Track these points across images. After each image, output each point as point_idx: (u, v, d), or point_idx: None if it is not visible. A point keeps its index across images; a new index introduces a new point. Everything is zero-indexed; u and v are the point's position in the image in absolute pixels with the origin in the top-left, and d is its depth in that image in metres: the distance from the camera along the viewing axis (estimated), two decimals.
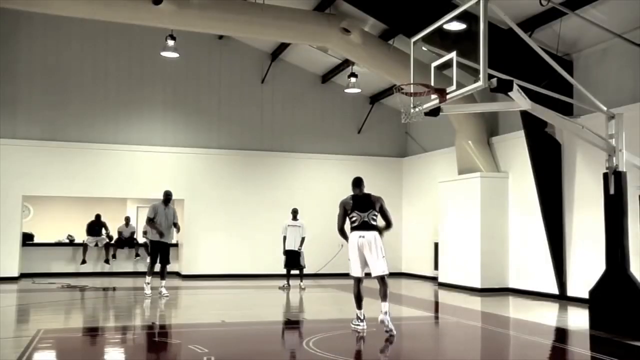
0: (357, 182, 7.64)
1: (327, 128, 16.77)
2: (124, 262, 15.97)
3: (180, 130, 15.72)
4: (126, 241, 16.09)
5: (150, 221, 10.96)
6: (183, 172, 15.48)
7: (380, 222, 7.46)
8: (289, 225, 12.88)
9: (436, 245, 14.77)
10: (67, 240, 15.79)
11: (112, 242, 15.86)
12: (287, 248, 12.84)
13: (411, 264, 16.55)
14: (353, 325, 7.48)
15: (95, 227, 15.73)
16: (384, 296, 7.11)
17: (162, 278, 11.06)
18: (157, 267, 11.17)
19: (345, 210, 7.43)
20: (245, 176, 15.88)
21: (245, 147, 16.03)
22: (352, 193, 7.58)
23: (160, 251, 11.02)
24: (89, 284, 13.21)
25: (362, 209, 7.39)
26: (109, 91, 15.21)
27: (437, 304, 11.50)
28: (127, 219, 16.46)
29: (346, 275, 15.07)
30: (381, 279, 7.21)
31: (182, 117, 15.76)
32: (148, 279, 11.08)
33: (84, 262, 15.32)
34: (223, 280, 14.67)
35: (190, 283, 14.23)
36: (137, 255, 15.94)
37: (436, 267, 14.68)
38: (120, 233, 16.07)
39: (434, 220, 15.04)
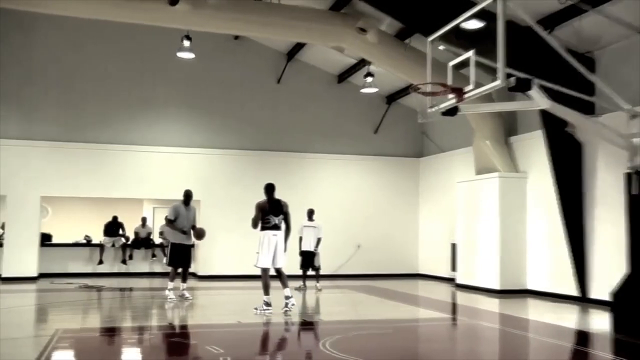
0: (272, 188, 9.20)
1: (343, 128, 16.73)
2: (140, 262, 16.05)
3: (195, 130, 15.76)
4: (143, 242, 16.16)
5: (171, 223, 10.65)
6: (199, 172, 15.48)
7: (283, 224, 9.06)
8: (304, 226, 12.87)
9: (453, 246, 14.67)
10: (85, 241, 15.89)
11: (129, 242, 15.93)
12: (303, 249, 12.86)
13: (428, 265, 16.47)
14: (259, 311, 8.85)
15: (112, 227, 15.82)
16: (286, 283, 9.08)
17: (184, 280, 10.89)
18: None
19: (262, 212, 8.94)
20: (261, 177, 15.56)
21: (260, 148, 16.03)
22: (265, 197, 9.06)
23: (182, 254, 10.75)
24: (105, 284, 13.28)
25: (275, 213, 9.04)
26: (125, 92, 15.25)
27: (454, 305, 11.44)
28: (144, 220, 16.53)
29: (363, 277, 15.52)
30: (279, 270, 9.12)
31: (198, 117, 15.78)
32: (171, 284, 10.71)
33: (101, 262, 15.43)
34: (239, 280, 14.67)
35: (206, 284, 14.25)
36: (153, 255, 16.02)
37: (453, 268, 14.58)
38: (136, 234, 16.13)
39: (451, 221, 14.94)
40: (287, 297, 9.01)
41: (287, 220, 9.22)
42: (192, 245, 11.26)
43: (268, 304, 8.93)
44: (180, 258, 10.74)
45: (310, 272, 12.96)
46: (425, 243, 16.73)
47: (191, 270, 15.20)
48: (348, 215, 16.36)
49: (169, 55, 14.85)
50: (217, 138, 15.84)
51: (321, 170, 16.49)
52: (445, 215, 15.62)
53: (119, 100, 15.25)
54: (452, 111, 8.15)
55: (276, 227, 9.05)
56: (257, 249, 9.13)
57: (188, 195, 10.94)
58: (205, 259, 15.46)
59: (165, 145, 15.40)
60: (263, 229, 9.02)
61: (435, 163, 16.57)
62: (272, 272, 9.25)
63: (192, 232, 10.91)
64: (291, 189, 15.75)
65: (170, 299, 10.52)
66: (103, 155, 14.96)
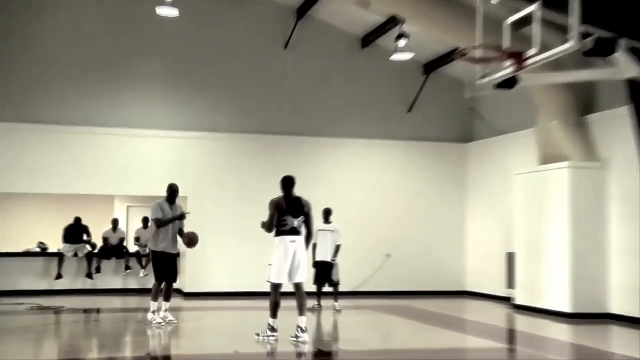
0: (292, 183, 9.29)
1: (368, 105, 16.75)
2: (110, 276, 16.10)
3: (182, 110, 15.85)
4: (114, 250, 16.18)
5: (158, 221, 10.63)
6: (186, 163, 15.61)
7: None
8: (320, 230, 12.85)
9: (510, 256, 14.67)
10: (38, 249, 15.95)
11: (96, 251, 15.94)
12: (317, 259, 12.92)
13: (478, 280, 16.48)
14: (262, 337, 8.98)
15: (75, 232, 15.82)
16: (305, 308, 9.06)
17: (167, 299, 10.84)
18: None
19: (278, 212, 9.03)
20: (264, 168, 15.82)
21: (264, 131, 16.09)
22: (281, 194, 9.20)
23: (167, 265, 10.74)
24: (66, 304, 13.25)
25: (295, 214, 9.09)
26: (94, 62, 15.44)
27: (512, 332, 11.49)
28: (115, 223, 16.57)
29: (394, 295, 15.57)
30: (299, 287, 9.13)
31: (185, 93, 15.92)
32: (155, 305, 10.69)
33: (59, 276, 15.45)
34: (236, 299, 14.78)
35: (195, 303, 14.31)
36: (127, 268, 16.05)
37: (510, 285, 14.58)
38: (106, 240, 16.13)
39: (507, 224, 14.93)
40: (301, 330, 8.97)
41: (308, 223, 9.27)
42: (178, 255, 11.31)
43: (273, 329, 9.02)
44: (164, 270, 10.73)
45: (327, 289, 13.04)
46: (474, 252, 16.75)
47: (176, 286, 15.35)
48: (375, 216, 16.40)
49: (147, 14, 14.89)
50: (208, 119, 15.91)
51: (340, 159, 16.54)
52: (499, 217, 15.62)
53: (85, 72, 15.36)
54: (509, 83, 8.15)
55: (295, 232, 9.09)
56: (271, 258, 9.13)
57: (174, 191, 10.96)
58: (193, 273, 15.51)
59: (144, 128, 15.46)
60: (279, 233, 9.09)
61: (487, 150, 16.55)
62: (285, 289, 9.23)
63: (178, 237, 10.97)
64: (302, 183, 15.35)
65: (156, 323, 10.52)
66: (64, 140, 15.04)
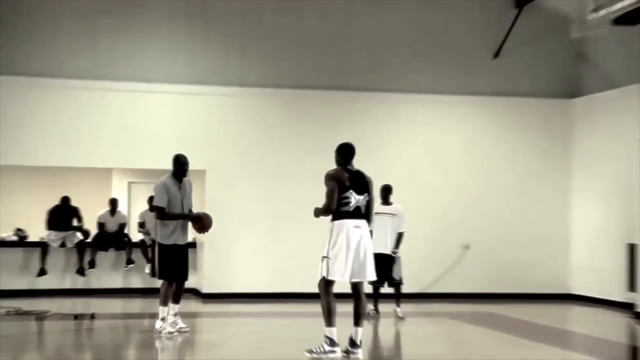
0: (352, 152, 9.34)
1: (440, 49, 16.66)
2: (108, 272, 16.21)
3: (196, 58, 15.93)
4: (112, 239, 16.25)
5: (162, 212, 10.79)
6: (202, 126, 15.73)
7: None
8: (377, 214, 12.50)
9: (632, 249, 14.56)
10: (15, 238, 16.04)
11: (89, 240, 16.04)
12: (373, 251, 12.79)
13: (586, 280, 16.37)
14: (317, 354, 8.90)
15: (62, 216, 15.89)
16: (363, 316, 9.19)
17: (176, 301, 11.00)
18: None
19: (340, 187, 9.01)
20: (304, 133, 15.97)
21: (303, 85, 16.10)
22: (337, 166, 9.25)
23: (177, 260, 10.88)
24: (51, 308, 13.30)
25: (359, 190, 9.10)
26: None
27: (634, 350, 11.36)
28: (113, 203, 16.67)
29: (472, 298, 15.48)
30: (358, 288, 9.25)
31: (200, 38, 15.99)
32: (165, 310, 10.80)
33: (43, 272, 15.59)
34: (266, 302, 14.85)
35: (215, 307, 14.45)
36: (129, 261, 16.23)
37: (632, 287, 14.40)
38: (102, 226, 16.24)
39: (627, 206, 14.78)
40: (355, 344, 9.01)
41: (369, 205, 9.32)
42: (190, 246, 11.35)
43: (333, 342, 8.98)
44: (175, 267, 10.81)
45: (386, 289, 13.05)
46: (582, 243, 16.63)
47: (190, 284, 15.35)
48: (447, 195, 16.39)
49: None
50: (230, 70, 15.94)
51: (402, 120, 16.48)
52: (616, 197, 15.47)
53: (76, 12, 15.44)
54: (633, 16, 7.87)
55: (359, 214, 9.11)
56: (327, 249, 9.04)
57: (182, 164, 11.00)
58: (213, 268, 15.65)
59: (148, 82, 15.51)
60: (338, 216, 9.04)
61: (598, 107, 16.40)
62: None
63: (188, 221, 11.09)
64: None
65: (166, 333, 10.66)
66: (45, 97, 15.14)
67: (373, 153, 15.49)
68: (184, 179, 11.02)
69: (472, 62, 16.81)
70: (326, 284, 9.01)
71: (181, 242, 10.88)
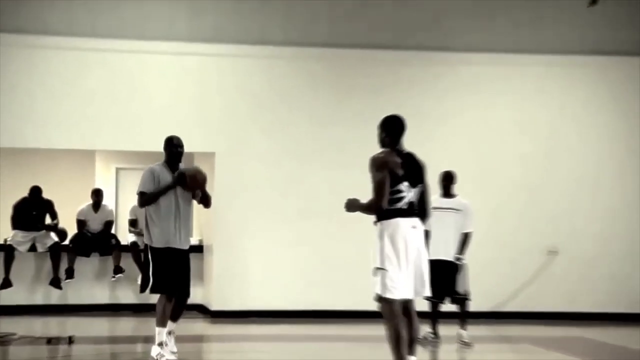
0: (402, 127, 9.01)
1: None
2: (90, 284, 16.34)
3: (205, 10, 16.04)
4: (95, 241, 16.35)
5: (142, 198, 10.82)
6: (211, 97, 15.88)
7: None
8: (434, 209, 12.25)
9: None
10: None
11: (67, 242, 16.17)
12: (431, 257, 12.26)
13: None
14: None
15: (31, 211, 16.04)
16: (415, 342, 8.68)
17: (174, 318, 10.95)
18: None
19: (391, 176, 8.57)
20: (342, 104, 16.02)
21: (340, 43, 16.20)
22: (382, 147, 8.89)
23: (173, 268, 10.81)
24: (17, 330, 13.13)
25: (413, 181, 8.71)
26: None
27: None
28: (97, 195, 16.77)
29: (558, 318, 15.50)
30: (409, 307, 8.73)
31: None
32: (162, 332, 10.67)
33: (7, 284, 15.63)
34: (290, 322, 14.95)
35: (226, 328, 14.60)
36: (117, 270, 16.29)
37: None
38: (82, 224, 16.39)
39: None
40: None
41: (424, 199, 9.01)
42: (194, 250, 11.57)
43: None
44: (171, 276, 10.76)
45: (448, 306, 13.04)
46: None
47: (196, 300, 15.32)
48: (529, 186, 16.35)
49: None
50: (246, 24, 16.03)
51: (469, 86, 16.51)
52: None
53: None
54: None
55: (413, 211, 8.74)
56: (376, 258, 8.66)
57: (173, 146, 11.03)
58: (222, 280, 15.74)
59: (144, 39, 15.62)
60: (388, 214, 8.63)
61: None
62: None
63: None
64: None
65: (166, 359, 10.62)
66: (7, 59, 15.24)
67: (430, 133, 15.75)
68: (180, 167, 11.01)
69: (561, 11, 16.72)
70: (389, 303, 8.51)
71: (178, 245, 10.80)
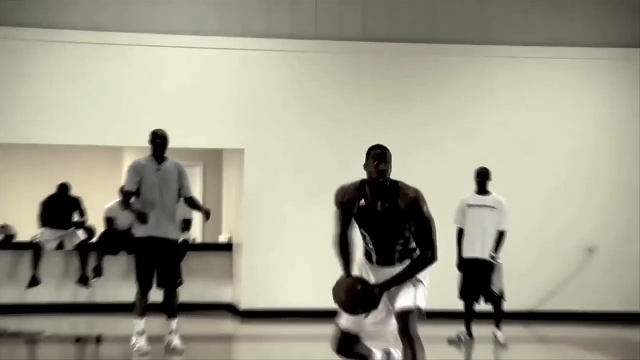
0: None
1: None
2: (118, 282, 16.02)
3: (233, 4, 15.84)
4: (124, 238, 15.76)
5: (128, 197, 11.27)
6: (242, 93, 15.60)
7: None
8: (470, 206, 12.70)
9: None
10: (0, 237, 16.02)
11: (95, 240, 15.88)
12: (466, 255, 12.69)
13: None
14: None
15: (59, 209, 15.78)
16: None
17: (171, 315, 11.40)
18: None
19: None
20: (377, 99, 15.86)
21: (376, 37, 15.98)
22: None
23: (157, 260, 11.26)
24: (46, 328, 12.88)
25: None
26: None
27: None
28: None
29: (598, 319, 16.00)
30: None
31: None
32: (140, 324, 11.23)
33: (35, 282, 15.36)
34: (324, 321, 14.44)
35: (258, 329, 14.55)
36: None
37: None
38: (110, 222, 15.97)
39: None
40: None
41: None
42: (179, 243, 11.93)
43: None
44: (150, 269, 11.31)
45: (482, 306, 12.77)
46: None
47: (225, 299, 16.42)
48: (566, 183, 16.03)
49: None
50: (278, 18, 15.85)
51: (506, 82, 16.27)
52: None
53: None
54: None
55: None
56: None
57: (157, 137, 11.37)
58: (255, 279, 15.51)
59: (170, 33, 15.48)
60: None
61: None
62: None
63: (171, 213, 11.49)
64: (437, 123, 16.14)
65: (139, 350, 11.10)
66: (38, 55, 15.13)
67: (465, 127, 16.06)
68: (168, 161, 11.43)
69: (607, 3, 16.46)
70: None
71: (161, 234, 11.23)
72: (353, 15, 16.05)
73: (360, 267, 7.56)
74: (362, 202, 7.39)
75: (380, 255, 7.42)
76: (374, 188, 7.32)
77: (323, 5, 15.98)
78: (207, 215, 11.74)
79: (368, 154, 7.37)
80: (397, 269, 7.31)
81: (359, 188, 7.40)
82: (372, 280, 7.32)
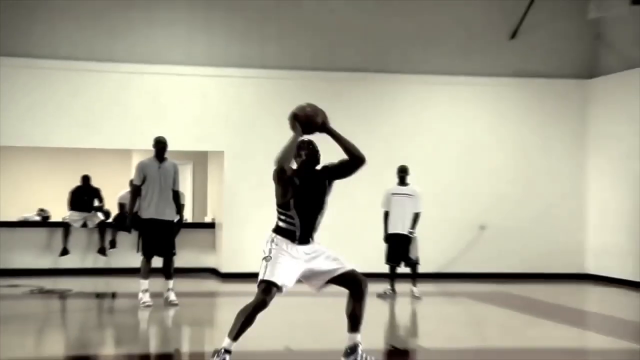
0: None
1: (460, 32, 16.48)
2: (129, 252, 15.78)
3: (218, 40, 15.96)
4: (134, 219, 16.11)
5: (137, 190, 11.73)
6: (223, 108, 15.79)
7: None
8: (393, 194, 13.09)
9: None
10: (38, 218, 16.23)
11: (110, 220, 16.19)
12: (390, 231, 13.07)
13: (603, 260, 16.21)
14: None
15: (83, 196, 16.01)
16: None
17: (168, 277, 11.79)
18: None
19: None
20: (327, 114, 15.76)
21: (327, 67, 16.05)
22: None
23: (157, 235, 11.64)
24: (74, 287, 13.56)
25: None
26: None
27: None
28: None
29: (488, 278, 15.66)
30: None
31: (221, 17, 15.95)
32: (145, 283, 11.59)
33: (65, 252, 15.69)
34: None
35: (234, 286, 14.40)
36: None
37: None
38: (122, 206, 15.95)
39: None
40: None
41: None
42: (174, 223, 11.97)
43: None
44: (151, 242, 11.67)
45: (402, 269, 13.15)
46: (599, 223, 16.48)
47: (209, 264, 16.34)
48: (464, 176, 16.38)
49: None
50: (253, 52, 15.83)
51: (424, 101, 16.36)
52: (633, 178, 15.32)
53: None
54: None
55: None
56: None
57: (157, 143, 11.79)
58: (232, 248, 15.69)
59: (169, 64, 15.56)
60: None
61: (616, 87, 16.13)
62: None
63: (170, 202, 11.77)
64: (373, 133, 15.70)
65: (144, 303, 11.44)
66: (69, 80, 15.20)
67: (388, 135, 15.91)
68: (167, 161, 11.75)
69: (491, 43, 16.56)
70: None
71: (160, 216, 11.62)
72: (306, 50, 15.92)
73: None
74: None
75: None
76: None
77: (282, 42, 15.89)
78: (180, 215, 12.25)
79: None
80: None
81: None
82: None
